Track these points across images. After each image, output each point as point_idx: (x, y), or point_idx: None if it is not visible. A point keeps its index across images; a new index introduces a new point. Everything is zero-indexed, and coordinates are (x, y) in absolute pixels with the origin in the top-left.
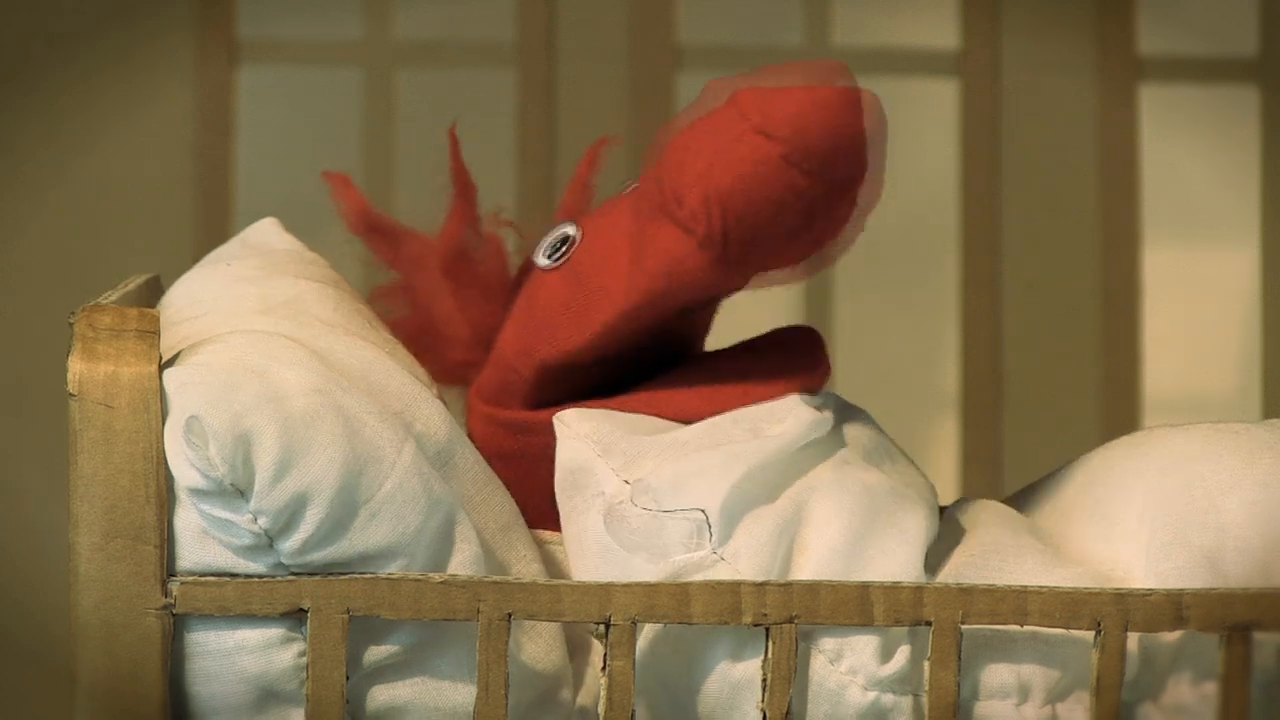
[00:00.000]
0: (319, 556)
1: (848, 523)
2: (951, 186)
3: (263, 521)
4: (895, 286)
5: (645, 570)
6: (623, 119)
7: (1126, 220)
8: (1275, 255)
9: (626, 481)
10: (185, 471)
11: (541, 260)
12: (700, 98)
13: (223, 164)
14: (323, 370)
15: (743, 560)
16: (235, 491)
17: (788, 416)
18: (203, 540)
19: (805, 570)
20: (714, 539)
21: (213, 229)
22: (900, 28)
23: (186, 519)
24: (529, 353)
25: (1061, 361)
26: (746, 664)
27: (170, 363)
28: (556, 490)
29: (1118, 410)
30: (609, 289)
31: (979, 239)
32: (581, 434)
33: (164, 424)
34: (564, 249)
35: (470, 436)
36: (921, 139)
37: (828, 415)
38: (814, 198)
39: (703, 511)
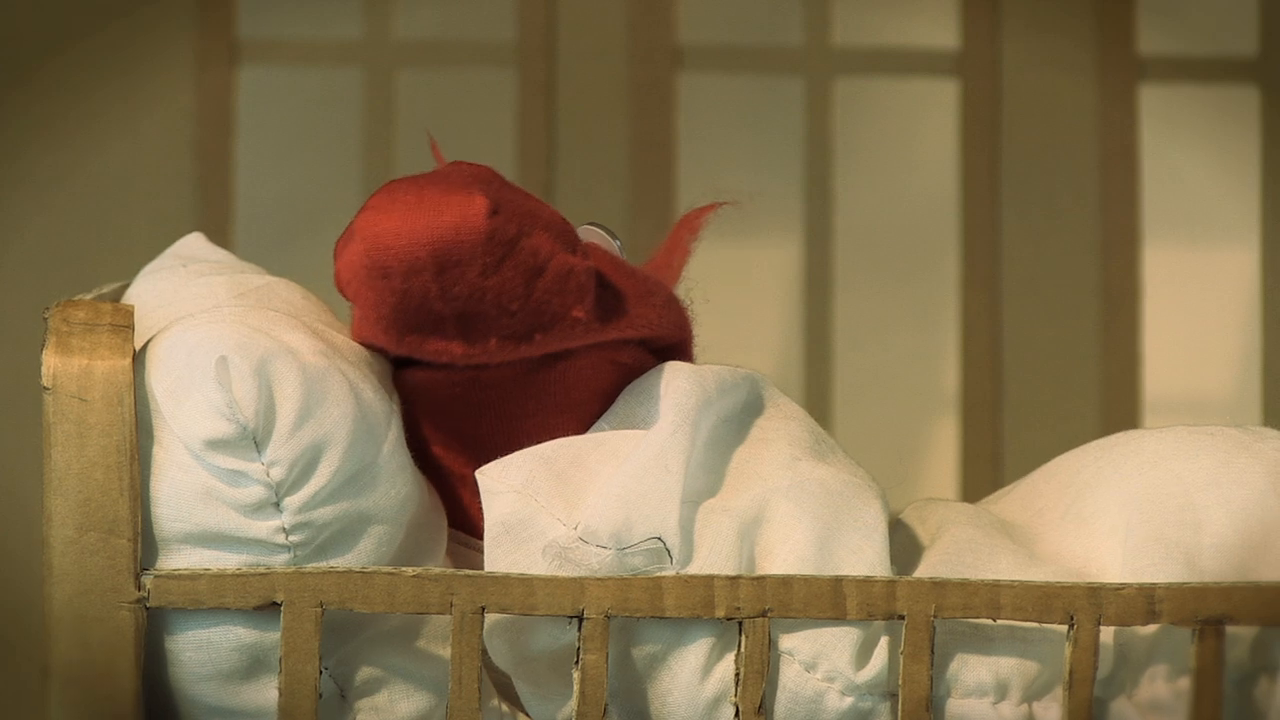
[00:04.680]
0: (321, 514)
1: (811, 526)
2: (951, 186)
3: (276, 472)
4: (895, 286)
5: None
6: (623, 119)
7: (1126, 220)
8: (1275, 255)
9: (573, 527)
10: (201, 421)
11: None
12: None
13: (223, 164)
14: (316, 338)
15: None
16: (252, 440)
17: (666, 392)
18: (205, 501)
19: (776, 571)
20: (675, 561)
21: (213, 229)
22: (900, 28)
23: (186, 482)
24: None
25: (1061, 361)
26: (714, 681)
27: (142, 352)
28: (487, 547)
29: (1118, 410)
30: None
31: (979, 239)
32: (511, 487)
33: (170, 383)
34: None
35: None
36: (921, 139)
37: (708, 382)
38: None
39: (659, 539)
